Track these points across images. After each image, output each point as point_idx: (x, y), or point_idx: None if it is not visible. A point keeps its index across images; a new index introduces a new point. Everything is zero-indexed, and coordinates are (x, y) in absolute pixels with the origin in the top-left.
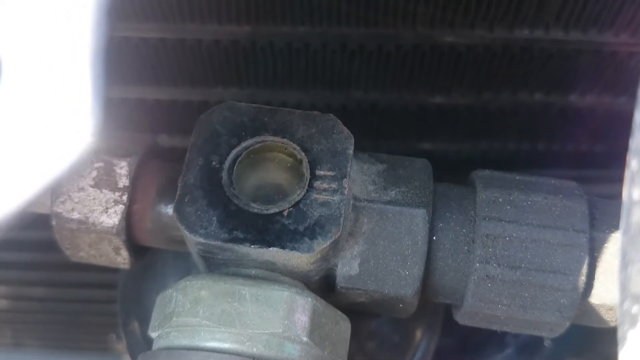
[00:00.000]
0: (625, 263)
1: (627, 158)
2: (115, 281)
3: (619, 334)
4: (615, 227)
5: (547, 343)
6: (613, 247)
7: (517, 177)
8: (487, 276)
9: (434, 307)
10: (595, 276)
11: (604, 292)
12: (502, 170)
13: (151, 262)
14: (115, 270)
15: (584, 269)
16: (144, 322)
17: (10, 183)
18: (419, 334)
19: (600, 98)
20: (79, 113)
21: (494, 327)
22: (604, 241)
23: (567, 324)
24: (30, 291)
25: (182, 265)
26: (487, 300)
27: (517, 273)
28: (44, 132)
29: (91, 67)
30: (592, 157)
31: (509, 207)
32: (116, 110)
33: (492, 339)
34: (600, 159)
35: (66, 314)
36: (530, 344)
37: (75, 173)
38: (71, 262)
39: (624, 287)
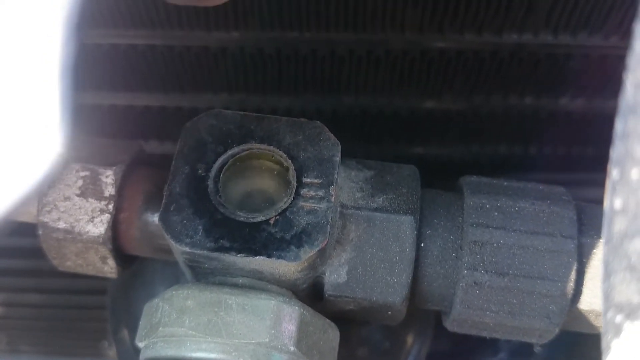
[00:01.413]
0: (608, 273)
1: (608, 167)
2: (107, 287)
3: (603, 343)
4: None
5: (537, 349)
6: (601, 253)
7: (505, 183)
8: (475, 283)
9: (424, 313)
10: (584, 282)
11: (593, 298)
12: (495, 174)
13: (141, 270)
14: (106, 277)
15: (572, 275)
16: (134, 330)
17: None
18: (410, 339)
19: (590, 101)
20: (49, 123)
21: (483, 334)
22: (592, 247)
23: (556, 330)
24: (24, 298)
25: (172, 274)
26: (475, 307)
27: (505, 279)
28: (13, 142)
29: (60, 77)
30: (584, 160)
31: (496, 214)
32: (105, 117)
33: (484, 343)
34: (592, 162)
35: (60, 320)
36: (522, 349)
37: (59, 182)
38: None
39: (607, 297)
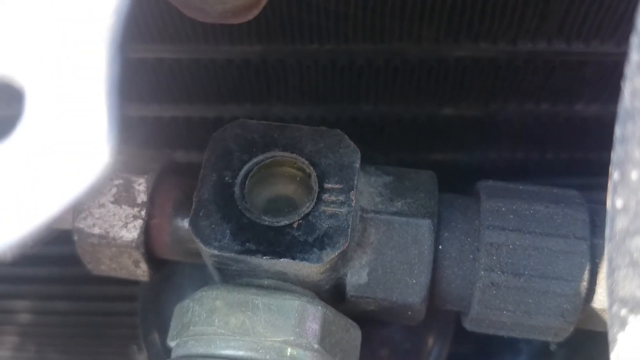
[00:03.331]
0: (611, 269)
1: (610, 169)
2: (135, 293)
3: (610, 336)
4: None
5: (552, 347)
6: None
7: (520, 187)
8: (492, 283)
9: (445, 315)
10: (597, 282)
11: (605, 297)
12: (512, 179)
13: (170, 274)
14: (134, 283)
15: (586, 275)
16: (164, 332)
17: (32, 202)
18: (430, 341)
19: (605, 107)
20: (98, 135)
21: (501, 333)
22: (604, 248)
23: (571, 328)
24: (52, 305)
25: (200, 277)
26: (492, 307)
27: (521, 280)
28: (64, 153)
29: (108, 89)
30: (600, 165)
31: (512, 216)
32: (135, 128)
33: (505, 346)
34: (608, 166)
35: (88, 327)
36: (544, 351)
37: (96, 191)
38: (91, 275)
39: (611, 292)
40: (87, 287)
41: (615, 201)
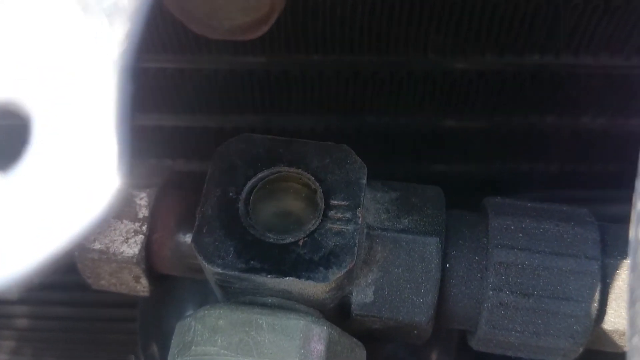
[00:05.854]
0: (633, 300)
1: (633, 199)
2: (134, 300)
3: None
4: (626, 253)
5: None
6: (625, 273)
7: (529, 204)
8: (500, 303)
9: (448, 331)
10: (608, 302)
11: (617, 318)
12: (516, 191)
13: (170, 287)
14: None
15: (596, 296)
16: (163, 345)
17: (41, 235)
18: (434, 357)
19: (612, 120)
20: (108, 163)
21: (508, 353)
22: (615, 268)
23: (580, 349)
24: (50, 311)
25: (200, 290)
26: (500, 327)
27: (530, 300)
28: (73, 183)
29: (118, 113)
30: (605, 177)
31: (521, 235)
32: (135, 137)
33: None
34: (613, 178)
35: (85, 333)
36: None
37: (106, 220)
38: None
39: (632, 323)
40: (85, 293)
41: (639, 232)
